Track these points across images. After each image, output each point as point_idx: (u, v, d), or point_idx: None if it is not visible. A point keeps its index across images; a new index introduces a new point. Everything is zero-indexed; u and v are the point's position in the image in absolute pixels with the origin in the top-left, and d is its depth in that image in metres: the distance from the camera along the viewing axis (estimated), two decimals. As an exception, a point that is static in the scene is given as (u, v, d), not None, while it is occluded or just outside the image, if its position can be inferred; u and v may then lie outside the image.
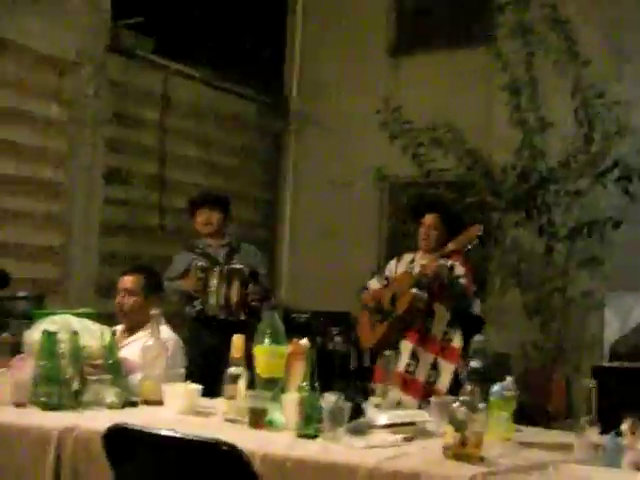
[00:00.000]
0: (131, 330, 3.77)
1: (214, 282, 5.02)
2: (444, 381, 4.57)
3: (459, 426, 2.28)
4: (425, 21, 8.35)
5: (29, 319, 4.84)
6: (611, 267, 6.73)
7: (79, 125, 6.69)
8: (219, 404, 2.87)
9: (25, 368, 3.02)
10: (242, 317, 5.03)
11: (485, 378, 2.61)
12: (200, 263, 5.09)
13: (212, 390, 3.06)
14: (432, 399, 2.77)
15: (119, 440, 2.34)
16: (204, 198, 5.33)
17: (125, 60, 7.15)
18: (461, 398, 2.30)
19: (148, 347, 3.12)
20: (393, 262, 4.92)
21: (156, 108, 7.46)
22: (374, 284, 4.91)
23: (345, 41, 8.43)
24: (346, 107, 8.24)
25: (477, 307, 4.78)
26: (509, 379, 2.58)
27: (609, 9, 7.02)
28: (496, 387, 2.55)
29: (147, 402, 3.03)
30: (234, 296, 5.03)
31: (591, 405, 2.43)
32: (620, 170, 6.44)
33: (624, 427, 2.30)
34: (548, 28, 6.61)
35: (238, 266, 5.07)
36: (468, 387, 2.31)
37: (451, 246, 4.47)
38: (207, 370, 4.38)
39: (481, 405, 2.31)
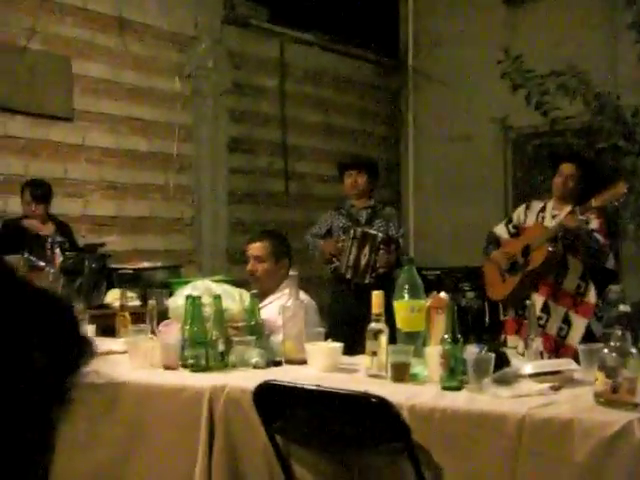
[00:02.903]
0: (265, 293, 3.84)
1: (348, 243, 5.16)
2: (575, 335, 4.46)
3: (610, 372, 2.23)
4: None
5: (167, 288, 5.05)
6: None
7: (201, 98, 6.83)
8: (361, 361, 2.90)
9: (172, 332, 3.13)
10: (367, 281, 5.11)
11: (633, 324, 2.53)
12: (341, 223, 5.27)
13: (348, 348, 3.11)
14: (581, 347, 2.71)
15: (269, 397, 2.42)
16: (352, 161, 5.57)
17: (241, 30, 7.23)
18: (611, 343, 2.24)
19: (287, 308, 3.17)
20: (521, 209, 4.81)
21: (274, 76, 7.52)
22: (501, 230, 4.82)
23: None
24: (464, 59, 8.09)
25: (611, 261, 4.64)
26: (660, 323, 2.50)
27: None
28: (646, 331, 2.47)
29: (290, 361, 3.08)
30: (363, 259, 5.14)
31: None
32: None
33: None
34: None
35: (373, 231, 5.17)
36: (618, 332, 2.25)
37: (595, 203, 4.30)
38: (341, 328, 4.47)
39: (633, 350, 2.25)
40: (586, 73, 6.49)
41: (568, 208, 4.54)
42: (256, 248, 3.90)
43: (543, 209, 4.68)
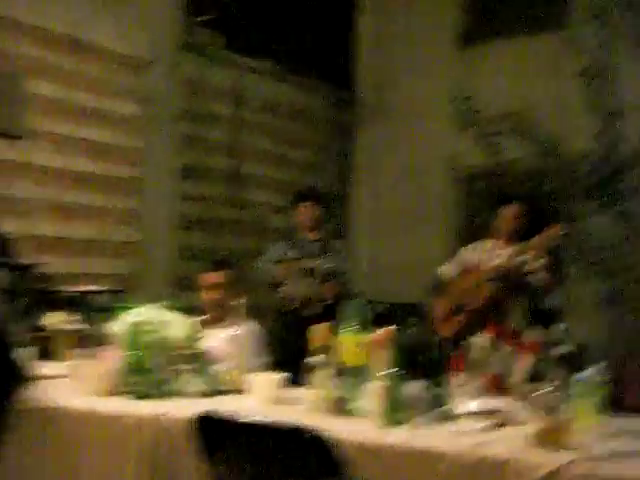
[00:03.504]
0: (214, 321, 3.82)
1: (294, 274, 5.18)
2: (519, 374, 4.52)
3: (549, 412, 2.26)
4: (496, 7, 8.22)
5: (110, 312, 4.98)
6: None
7: (155, 122, 6.79)
8: (303, 393, 2.89)
9: (112, 358, 3.09)
10: (312, 312, 5.14)
11: (574, 364, 2.57)
12: (290, 254, 5.27)
13: (292, 380, 3.10)
14: (522, 386, 2.73)
15: (209, 427, 2.39)
16: (307, 193, 5.58)
17: (198, 57, 7.23)
18: (551, 384, 2.27)
19: (233, 337, 3.17)
20: (468, 250, 4.90)
21: (229, 104, 7.53)
22: (447, 270, 4.89)
23: (414, 29, 8.35)
24: (417, 96, 8.19)
25: (556, 300, 4.72)
26: (600, 365, 2.53)
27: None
28: (586, 373, 2.50)
29: (233, 391, 3.06)
30: (308, 290, 5.17)
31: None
32: None
33: None
34: (625, 10, 6.47)
35: (318, 263, 5.19)
36: (557, 373, 2.28)
37: (531, 244, 4.43)
38: (286, 360, 4.45)
39: (571, 391, 2.28)
40: (535, 117, 6.63)
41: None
42: (219, 276, 3.88)
43: (489, 249, 4.77)
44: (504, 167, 6.84)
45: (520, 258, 4.46)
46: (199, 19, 7.27)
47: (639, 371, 6.46)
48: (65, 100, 6.09)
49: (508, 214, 4.70)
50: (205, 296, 3.87)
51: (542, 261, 4.55)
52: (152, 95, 6.73)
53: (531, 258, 4.55)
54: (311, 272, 5.20)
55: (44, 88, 5.95)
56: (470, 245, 4.95)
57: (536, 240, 4.44)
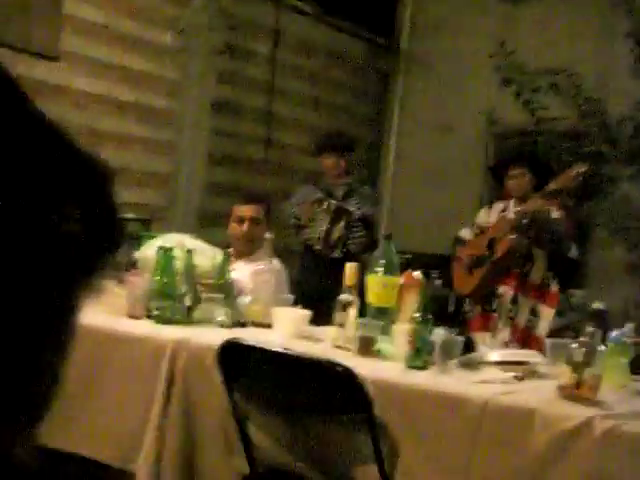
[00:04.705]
0: (240, 255, 3.80)
1: (322, 215, 5.14)
2: (544, 326, 4.50)
3: (576, 367, 2.23)
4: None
5: (137, 240, 4.98)
6: None
7: (192, 55, 6.72)
8: (327, 331, 2.88)
9: (140, 283, 3.09)
10: (336, 255, 5.11)
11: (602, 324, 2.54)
12: (317, 196, 5.23)
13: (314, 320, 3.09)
14: (548, 340, 2.71)
15: (233, 355, 2.39)
16: (333, 143, 5.34)
17: (239, -8, 7.12)
18: (581, 339, 2.25)
19: (259, 271, 3.17)
20: (484, 211, 4.86)
21: (267, 42, 7.44)
22: (466, 234, 4.84)
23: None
24: (458, 49, 8.05)
25: (574, 251, 4.64)
26: (630, 325, 2.50)
27: None
28: (616, 332, 2.48)
29: (256, 324, 3.06)
30: (335, 233, 5.13)
31: None
32: None
33: None
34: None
35: (348, 207, 5.14)
36: (589, 329, 2.25)
37: (553, 185, 4.30)
38: (309, 301, 4.46)
39: (601, 348, 2.25)
40: (579, 75, 6.50)
41: None
42: (254, 210, 3.85)
43: (504, 209, 4.71)
44: (542, 126, 6.72)
45: (543, 204, 4.33)
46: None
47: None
48: (105, 25, 6.04)
49: (514, 173, 4.62)
50: (235, 228, 3.84)
51: (558, 213, 4.44)
52: (191, 27, 6.65)
53: (553, 208, 4.43)
54: (337, 214, 5.15)
55: (84, 11, 5.89)
56: (484, 208, 4.89)
57: (557, 180, 4.30)
